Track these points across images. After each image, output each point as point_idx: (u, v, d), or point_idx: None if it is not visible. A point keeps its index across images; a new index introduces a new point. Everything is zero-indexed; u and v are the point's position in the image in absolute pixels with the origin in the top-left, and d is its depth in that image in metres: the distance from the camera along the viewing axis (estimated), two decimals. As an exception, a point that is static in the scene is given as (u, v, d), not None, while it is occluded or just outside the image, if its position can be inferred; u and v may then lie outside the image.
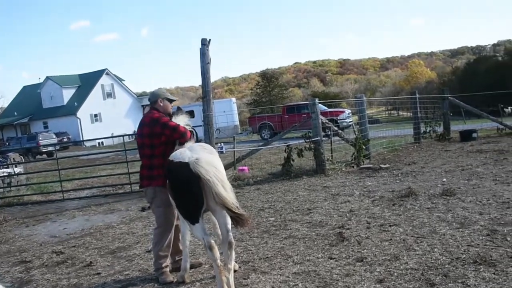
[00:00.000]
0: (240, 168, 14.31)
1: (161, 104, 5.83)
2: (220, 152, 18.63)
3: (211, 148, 5.80)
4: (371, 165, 12.79)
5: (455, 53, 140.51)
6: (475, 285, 4.44)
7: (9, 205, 13.66)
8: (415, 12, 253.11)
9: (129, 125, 56.17)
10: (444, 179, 9.82)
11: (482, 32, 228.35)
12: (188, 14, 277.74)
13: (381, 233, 6.40)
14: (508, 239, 5.54)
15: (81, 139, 50.90)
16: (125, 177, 14.85)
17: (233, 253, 5.19)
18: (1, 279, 6.55)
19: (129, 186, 13.73)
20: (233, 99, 42.38)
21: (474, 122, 25.86)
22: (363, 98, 15.74)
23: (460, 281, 4.55)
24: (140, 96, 68.54)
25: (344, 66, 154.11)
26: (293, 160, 12.77)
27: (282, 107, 35.74)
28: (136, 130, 6.74)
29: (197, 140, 6.87)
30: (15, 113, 59.28)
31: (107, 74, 60.50)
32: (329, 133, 14.34)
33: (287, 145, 12.96)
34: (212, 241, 4.94)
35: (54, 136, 44.00)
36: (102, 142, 50.08)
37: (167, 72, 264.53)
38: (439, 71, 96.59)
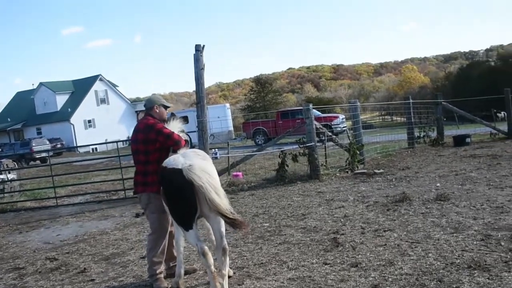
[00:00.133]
0: (234, 173, 14.30)
1: (157, 111, 5.82)
2: (214, 158, 18.67)
3: (205, 154, 5.79)
4: (365, 170, 12.80)
5: (448, 58, 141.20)
6: (469, 290, 4.45)
7: (2, 212, 13.56)
8: (407, 18, 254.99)
9: (123, 131, 56.08)
10: (438, 184, 9.85)
11: (474, 38, 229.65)
12: (182, 20, 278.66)
13: (375, 238, 6.40)
14: (502, 244, 5.56)
15: (75, 145, 50.72)
16: (119, 183, 14.80)
17: (227, 259, 5.18)
18: (-6, 286, 6.51)
19: (123, 192, 13.67)
20: (227, 105, 42.37)
21: (468, 127, 25.97)
22: (357, 103, 15.79)
23: (454, 286, 4.56)
24: (134, 102, 68.50)
25: (337, 71, 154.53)
26: (287, 166, 12.77)
27: (276, 113, 35.72)
28: (130, 136, 6.73)
29: (191, 146, 6.86)
30: (9, 119, 59.03)
31: (100, 80, 60.39)
32: (323, 138, 14.36)
33: (281, 151, 12.96)
34: (206, 247, 4.93)
35: (48, 142, 43.83)
36: (96, 148, 49.94)
37: (161, 77, 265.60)
38: (432, 76, 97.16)
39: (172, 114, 6.20)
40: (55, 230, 10.16)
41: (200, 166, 4.96)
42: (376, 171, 12.53)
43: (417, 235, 6.31)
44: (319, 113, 28.23)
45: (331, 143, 15.09)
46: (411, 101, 18.58)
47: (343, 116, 30.69)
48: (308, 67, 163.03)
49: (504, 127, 19.20)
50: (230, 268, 5.58)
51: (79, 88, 59.72)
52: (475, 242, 5.74)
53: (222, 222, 5.04)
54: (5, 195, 15.89)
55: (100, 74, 60.69)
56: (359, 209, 8.34)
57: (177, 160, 5.08)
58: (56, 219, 11.46)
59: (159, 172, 5.32)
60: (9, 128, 57.58)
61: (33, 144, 40.84)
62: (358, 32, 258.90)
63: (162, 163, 5.25)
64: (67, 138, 52.08)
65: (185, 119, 30.29)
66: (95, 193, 14.93)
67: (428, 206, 7.89)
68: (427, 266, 5.14)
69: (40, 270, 7.05)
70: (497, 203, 7.58)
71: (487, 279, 4.62)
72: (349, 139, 14.10)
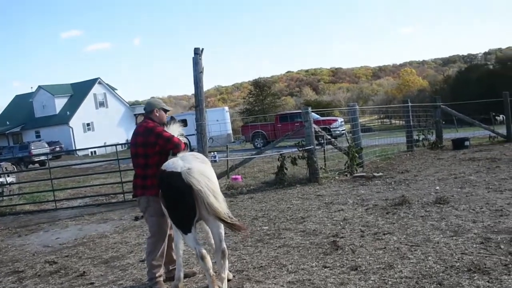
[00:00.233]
0: (234, 177, 14.29)
1: (157, 114, 5.83)
2: (213, 161, 18.67)
3: (204, 157, 5.78)
4: (364, 174, 12.81)
5: (446, 62, 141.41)
6: (469, 293, 4.45)
7: (1, 215, 13.57)
8: (406, 21, 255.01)
9: (121, 134, 56.11)
10: (437, 187, 9.85)
11: (473, 41, 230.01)
12: (181, 23, 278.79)
13: (375, 242, 6.40)
14: (502, 247, 5.56)
15: (74, 148, 50.65)
16: (118, 186, 14.80)
17: (227, 262, 5.19)
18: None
19: (122, 195, 13.68)
20: (226, 108, 42.48)
21: (466, 130, 26.03)
22: (356, 106, 15.77)
23: (454, 289, 4.56)
24: (132, 105, 68.51)
25: (336, 74, 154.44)
26: (286, 169, 12.77)
27: (275, 116, 35.72)
28: (128, 139, 6.74)
29: (190, 149, 6.86)
30: (7, 122, 59.03)
31: (99, 83, 60.44)
32: (322, 141, 14.37)
33: (280, 154, 12.97)
34: (204, 251, 4.93)
35: (47, 145, 43.81)
36: (95, 151, 49.94)
37: (159, 81, 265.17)
38: (431, 79, 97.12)
39: (172, 118, 6.21)
40: (54, 233, 10.16)
41: (199, 169, 4.96)
42: (375, 174, 12.54)
43: (417, 238, 6.31)
44: (318, 116, 28.26)
45: (330, 146, 15.10)
46: (409, 104, 18.57)
47: (342, 119, 30.74)
48: (306, 70, 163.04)
49: (503, 130, 19.24)
50: (230, 271, 5.58)
51: (78, 91, 59.74)
52: (474, 245, 5.74)
53: (221, 225, 5.04)
54: (4, 198, 15.89)
55: (99, 77, 60.75)
56: (359, 212, 8.34)
57: (176, 163, 5.08)
58: (55, 222, 11.46)
59: (158, 175, 5.32)
60: (8, 131, 57.56)
61: (32, 147, 40.81)
62: (356, 36, 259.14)
63: (161, 166, 5.25)
64: (66, 141, 52.02)
65: (184, 122, 30.34)
66: (94, 196, 14.93)
67: (428, 209, 7.89)
68: (427, 269, 5.13)
69: (39, 273, 7.05)
70: (496, 206, 7.58)
71: (487, 282, 4.62)
72: (348, 142, 14.11)
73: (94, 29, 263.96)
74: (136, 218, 10.34)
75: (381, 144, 18.77)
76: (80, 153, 49.09)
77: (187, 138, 6.22)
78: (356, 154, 13.44)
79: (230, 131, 38.78)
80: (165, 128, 5.75)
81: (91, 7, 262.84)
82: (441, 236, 6.28)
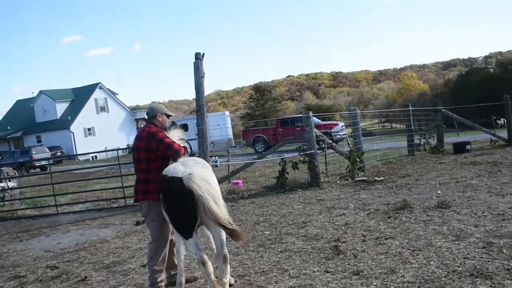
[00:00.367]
0: (235, 181, 14.29)
1: (160, 119, 5.85)
2: (215, 166, 18.66)
3: (205, 162, 5.78)
4: (365, 178, 12.80)
5: (447, 65, 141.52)
6: (472, 298, 4.44)
7: (2, 220, 13.58)
8: (406, 25, 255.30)
9: (122, 139, 56.12)
10: (439, 192, 9.83)
11: (473, 45, 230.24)
12: (181, 28, 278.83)
13: (377, 246, 6.39)
14: (504, 251, 5.54)
15: (75, 153, 50.69)
16: (119, 191, 14.79)
17: (228, 267, 5.18)
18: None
19: (123, 200, 13.67)
20: (227, 113, 42.42)
21: (468, 134, 26.01)
22: (357, 110, 15.80)
23: (457, 294, 4.55)
24: (133, 109, 68.54)
25: (337, 79, 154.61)
26: (287, 173, 12.77)
27: (276, 120, 35.72)
28: (129, 143, 6.74)
29: (191, 154, 6.87)
30: (8, 127, 59.03)
31: (100, 88, 60.45)
32: (323, 146, 14.36)
33: (282, 158, 12.96)
34: (205, 256, 4.93)
35: (48, 150, 43.79)
36: (96, 156, 49.92)
37: (160, 85, 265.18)
38: (431, 83, 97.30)
39: (173, 123, 6.22)
40: (56, 238, 10.16)
41: (200, 175, 4.96)
42: (377, 178, 12.53)
43: (419, 243, 6.30)
44: (319, 120, 28.28)
45: (331, 150, 15.09)
46: (410, 108, 18.60)
47: (343, 124, 30.71)
48: (307, 75, 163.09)
49: (504, 134, 19.23)
50: (231, 276, 5.57)
51: (79, 96, 59.76)
52: (477, 250, 5.72)
53: (223, 231, 5.04)
54: (6, 203, 15.90)
55: (99, 82, 60.78)
56: (360, 217, 8.33)
57: (177, 168, 5.09)
58: (57, 227, 11.46)
59: (159, 181, 5.32)
60: (9, 136, 57.56)
61: (33, 152, 40.83)
62: (357, 40, 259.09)
63: (162, 172, 5.25)
64: (67, 146, 52.04)
65: (185, 127, 30.50)
66: (96, 201, 14.92)
67: (429, 214, 7.88)
68: (429, 274, 5.12)
69: (40, 278, 7.04)
70: (498, 211, 7.57)
71: (489, 287, 4.61)
72: (349, 147, 14.10)
73: (95, 34, 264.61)
74: (138, 223, 10.33)
75: (382, 148, 18.78)
76: (81, 158, 49.13)
77: (188, 143, 6.22)
78: (357, 159, 13.44)
79: (231, 136, 38.71)
80: (166, 133, 5.75)
81: (92, 12, 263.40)
82: (443, 240, 6.27)
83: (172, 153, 5.54)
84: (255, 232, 8.19)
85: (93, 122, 57.67)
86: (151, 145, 5.55)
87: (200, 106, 10.79)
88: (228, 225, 4.83)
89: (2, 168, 21.21)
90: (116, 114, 61.52)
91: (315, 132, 13.05)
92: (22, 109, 61.44)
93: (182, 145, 5.76)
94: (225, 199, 5.07)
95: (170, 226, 5.52)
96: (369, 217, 8.23)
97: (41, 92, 59.04)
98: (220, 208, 4.86)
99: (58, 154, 45.31)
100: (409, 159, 16.60)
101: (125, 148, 35.73)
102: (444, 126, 20.71)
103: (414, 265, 5.45)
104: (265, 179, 14.47)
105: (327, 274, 5.54)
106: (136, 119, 62.70)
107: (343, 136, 27.44)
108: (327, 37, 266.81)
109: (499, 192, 9.10)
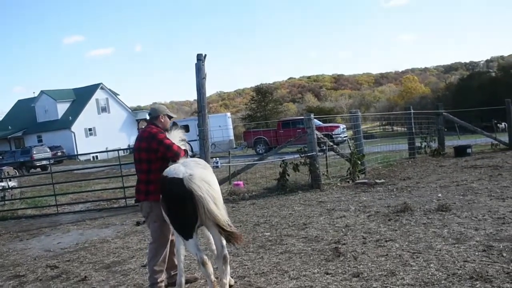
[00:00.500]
0: (236, 182, 14.30)
1: (162, 120, 5.87)
2: (215, 167, 18.66)
3: (205, 163, 5.78)
4: (366, 180, 12.80)
5: (448, 69, 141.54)
6: (471, 301, 4.44)
7: (3, 219, 13.58)
8: (407, 28, 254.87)
9: (123, 139, 56.10)
10: (440, 195, 9.83)
11: (475, 48, 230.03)
12: (183, 29, 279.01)
13: (377, 249, 6.39)
14: (504, 255, 5.55)
15: (76, 153, 50.65)
16: (120, 191, 14.80)
17: (228, 268, 5.19)
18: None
19: (124, 200, 13.68)
20: (228, 114, 42.44)
21: (469, 138, 26.01)
22: (358, 113, 15.78)
23: (456, 297, 4.55)
24: (134, 110, 68.49)
25: (338, 81, 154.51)
26: (288, 175, 12.76)
27: (277, 122, 35.71)
28: (130, 144, 6.75)
29: (192, 155, 6.87)
30: (9, 127, 59.03)
31: (101, 88, 60.43)
32: (324, 148, 14.36)
33: (283, 160, 12.96)
34: (205, 257, 4.93)
35: (48, 150, 43.82)
36: (97, 156, 49.92)
37: (162, 86, 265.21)
38: (433, 86, 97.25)
39: (174, 124, 6.23)
40: (56, 238, 10.16)
41: (200, 176, 4.97)
42: (377, 181, 12.53)
43: (419, 246, 6.30)
44: (320, 122, 28.27)
45: (332, 152, 15.09)
46: (412, 111, 18.60)
47: (344, 126, 30.74)
48: (308, 77, 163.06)
49: (505, 137, 19.24)
50: (231, 277, 5.57)
51: (80, 97, 59.75)
52: (477, 253, 5.72)
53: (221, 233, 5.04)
54: (6, 202, 15.91)
55: (101, 83, 60.74)
56: (361, 219, 8.33)
57: (177, 169, 5.09)
58: (57, 227, 11.47)
59: (160, 181, 5.32)
60: (10, 136, 57.56)
61: (34, 152, 40.86)
62: (358, 42, 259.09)
63: (163, 172, 5.26)
64: (67, 146, 52.04)
65: (186, 128, 30.52)
66: (96, 201, 14.93)
67: (430, 217, 7.88)
68: (429, 277, 5.12)
69: (40, 278, 7.05)
70: (498, 214, 7.57)
71: (489, 290, 4.62)
72: (350, 149, 14.10)
73: (96, 34, 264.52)
74: (138, 223, 10.34)
75: (383, 151, 18.77)
76: (82, 158, 49.11)
77: (189, 144, 6.23)
78: (358, 161, 13.43)
79: (232, 137, 38.77)
80: (167, 134, 5.76)
81: (93, 12, 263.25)
82: (443, 243, 6.27)
83: (171, 154, 5.55)
84: (255, 233, 8.20)
85: (94, 122, 57.66)
86: (151, 146, 5.56)
87: (202, 107, 10.80)
88: (227, 227, 4.84)
89: (3, 168, 21.22)
90: (117, 114, 61.49)
91: (316, 134, 13.05)
92: (23, 109, 61.45)
93: (183, 146, 5.77)
94: (226, 200, 5.08)
95: (171, 226, 5.53)
96: (370, 220, 8.23)
97: (42, 92, 59.03)
98: (219, 210, 4.87)
99: (59, 154, 45.32)
100: (410, 162, 16.59)
101: (126, 149, 35.79)
102: (445, 130, 20.69)
103: (414, 268, 5.46)
104: (266, 181, 14.47)
105: (327, 276, 5.54)
106: (137, 120, 62.69)
107: (344, 138, 27.41)
108: (329, 39, 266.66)
109: (500, 195, 9.11)
